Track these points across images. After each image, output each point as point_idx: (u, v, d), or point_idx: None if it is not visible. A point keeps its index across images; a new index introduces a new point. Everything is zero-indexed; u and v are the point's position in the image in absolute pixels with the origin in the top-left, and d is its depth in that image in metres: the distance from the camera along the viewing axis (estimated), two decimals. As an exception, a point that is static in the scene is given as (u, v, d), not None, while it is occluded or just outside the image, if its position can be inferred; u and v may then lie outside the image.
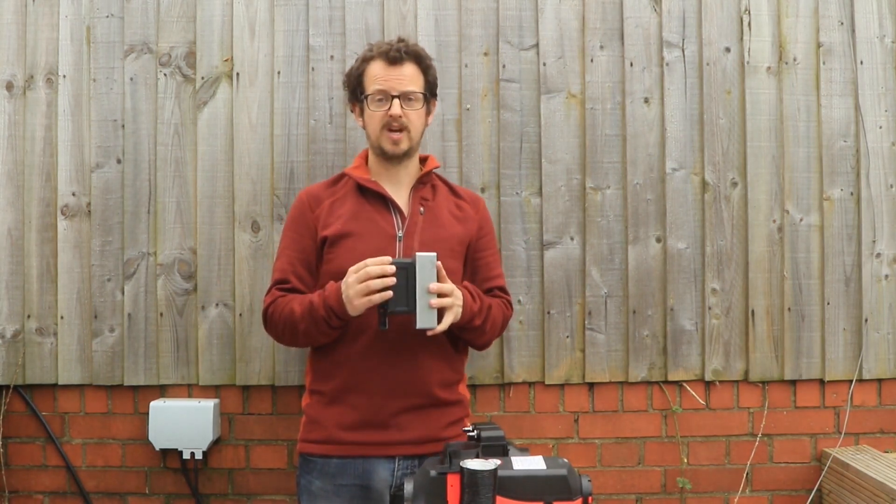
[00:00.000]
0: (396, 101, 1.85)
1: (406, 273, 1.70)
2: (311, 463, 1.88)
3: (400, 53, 1.86)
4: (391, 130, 1.86)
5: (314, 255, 1.91)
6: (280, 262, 1.94)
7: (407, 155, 1.91)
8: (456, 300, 1.76)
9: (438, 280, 1.73)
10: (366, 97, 1.88)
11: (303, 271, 1.91)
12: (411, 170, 1.95)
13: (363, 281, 1.70)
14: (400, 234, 1.87)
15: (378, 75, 1.87)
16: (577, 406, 2.40)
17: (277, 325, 1.87)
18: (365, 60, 1.90)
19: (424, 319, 1.71)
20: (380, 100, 1.86)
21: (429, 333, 1.75)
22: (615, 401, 2.40)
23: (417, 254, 1.72)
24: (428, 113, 1.95)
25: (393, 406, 1.83)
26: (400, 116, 1.85)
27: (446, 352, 1.89)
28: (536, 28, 2.39)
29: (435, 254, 1.73)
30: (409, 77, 1.87)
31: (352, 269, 1.72)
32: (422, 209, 1.90)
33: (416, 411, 1.84)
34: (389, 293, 1.69)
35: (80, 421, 2.37)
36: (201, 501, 2.35)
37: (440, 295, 1.72)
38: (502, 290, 2.00)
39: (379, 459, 1.83)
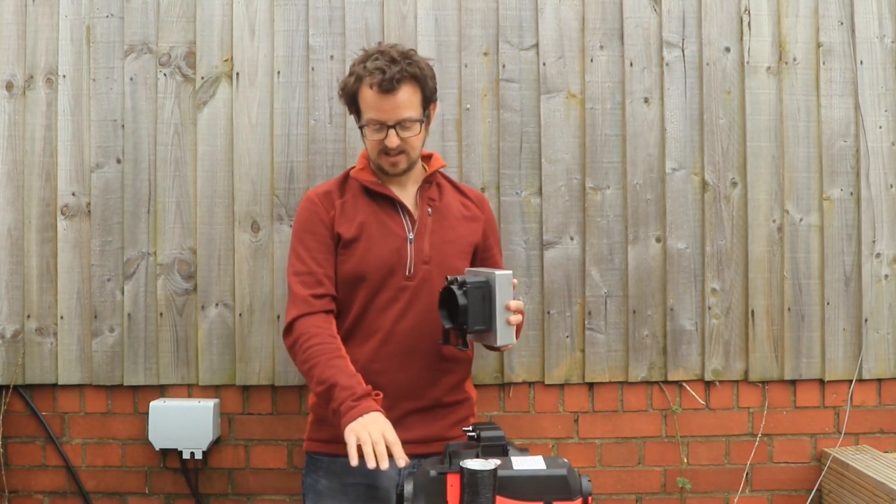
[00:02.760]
0: (392, 131, 1.79)
1: (482, 291, 1.68)
2: (317, 462, 1.88)
3: (392, 83, 1.75)
4: (388, 154, 1.83)
5: (335, 252, 1.86)
6: (307, 266, 1.83)
7: (408, 169, 1.89)
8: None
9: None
10: (362, 126, 1.85)
11: (331, 271, 1.85)
12: (415, 173, 1.94)
13: (375, 441, 1.55)
14: (410, 236, 1.86)
15: (372, 104, 1.79)
16: (577, 406, 2.40)
17: (296, 356, 1.78)
18: (358, 79, 1.80)
19: (504, 336, 1.70)
20: (376, 129, 1.81)
21: (503, 350, 1.77)
22: (615, 401, 2.40)
23: (496, 272, 1.70)
24: (428, 122, 1.90)
25: (400, 408, 1.82)
26: (397, 145, 1.81)
27: (454, 353, 1.88)
28: (536, 28, 2.39)
29: (511, 272, 1.73)
30: (404, 104, 1.78)
31: (388, 435, 1.56)
32: (430, 210, 1.90)
33: (423, 412, 1.85)
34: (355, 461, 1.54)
35: (80, 421, 2.37)
36: (201, 501, 2.35)
37: (517, 312, 1.72)
38: None
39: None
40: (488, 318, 1.69)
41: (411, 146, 1.84)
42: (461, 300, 1.66)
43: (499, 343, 1.71)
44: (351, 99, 1.86)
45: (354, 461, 1.53)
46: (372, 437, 1.55)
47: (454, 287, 1.68)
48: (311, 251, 1.85)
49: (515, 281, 1.73)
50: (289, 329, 1.81)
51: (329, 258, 1.85)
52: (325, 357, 1.72)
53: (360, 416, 1.60)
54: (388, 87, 1.76)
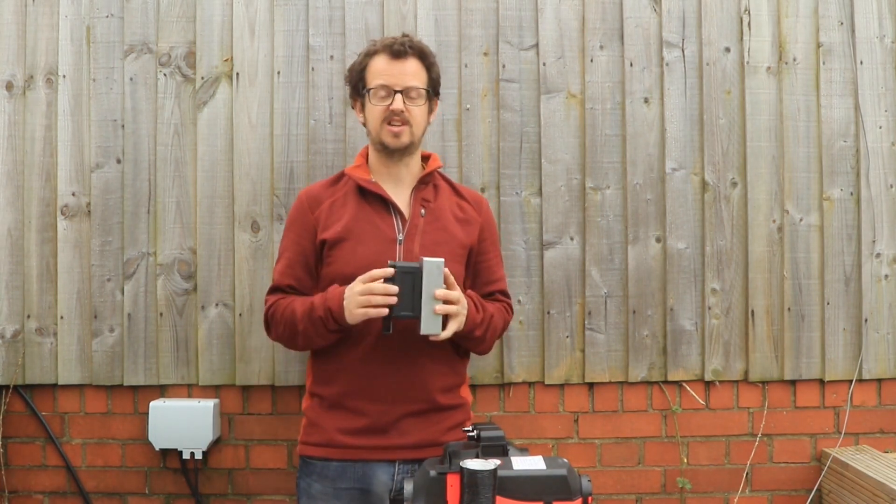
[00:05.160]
0: (399, 96, 1.82)
1: (413, 278, 1.68)
2: (310, 466, 1.87)
3: (404, 48, 1.84)
4: (392, 124, 1.84)
5: (314, 257, 1.89)
6: (280, 266, 1.93)
7: (408, 151, 1.88)
8: (462, 308, 1.75)
9: (446, 286, 1.71)
10: (368, 91, 1.86)
11: (302, 274, 1.90)
12: (413, 168, 1.93)
13: (366, 294, 1.69)
14: (400, 237, 1.85)
15: (381, 70, 1.85)
16: (577, 406, 2.40)
17: (278, 325, 1.87)
18: (368, 55, 1.88)
19: (429, 325, 1.70)
20: (382, 95, 1.84)
21: (431, 339, 1.73)
22: (615, 401, 2.40)
23: (424, 259, 1.69)
24: (430, 111, 1.92)
25: (395, 411, 1.82)
26: (402, 111, 1.83)
27: (448, 355, 1.88)
28: (536, 28, 2.39)
29: (442, 259, 1.71)
30: (412, 72, 1.85)
31: (360, 277, 1.71)
32: (423, 211, 1.88)
33: (418, 416, 1.83)
34: (385, 310, 1.68)
35: (80, 421, 2.37)
36: (201, 501, 2.35)
37: (447, 301, 1.71)
38: (504, 293, 2.00)
39: (379, 463, 1.82)
40: (417, 306, 1.69)
41: (415, 119, 1.85)
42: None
43: (422, 331, 1.69)
44: (359, 75, 1.89)
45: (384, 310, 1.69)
46: (362, 305, 1.69)
47: None
48: (289, 251, 1.93)
49: (447, 270, 1.71)
50: (265, 322, 1.94)
51: (302, 259, 1.90)
52: (296, 303, 1.84)
53: (339, 302, 1.73)
54: (398, 51, 1.84)
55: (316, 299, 1.79)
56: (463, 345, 1.89)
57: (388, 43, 1.86)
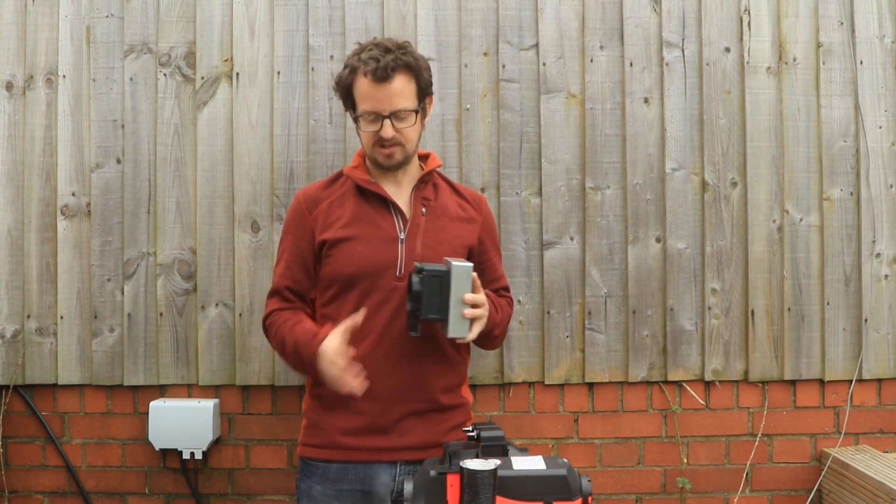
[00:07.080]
0: (388, 121, 1.79)
1: (440, 281, 1.70)
2: (311, 467, 1.87)
3: (387, 71, 1.76)
4: (384, 146, 1.82)
5: (312, 258, 1.89)
6: (279, 268, 1.92)
7: (403, 164, 1.88)
8: (485, 311, 1.77)
9: (473, 290, 1.73)
10: (357, 117, 1.84)
11: (301, 276, 1.89)
12: (411, 170, 1.92)
13: (339, 377, 1.73)
14: (402, 236, 1.85)
15: (367, 94, 1.79)
16: (577, 406, 2.40)
17: (272, 340, 1.90)
18: (353, 71, 1.82)
19: (457, 329, 1.72)
20: (371, 120, 1.81)
21: (458, 342, 1.77)
22: (615, 401, 2.40)
23: (454, 264, 1.71)
24: (424, 116, 1.89)
25: (395, 411, 1.82)
26: (392, 136, 1.80)
27: (449, 355, 1.88)
28: (536, 28, 2.39)
29: (471, 265, 1.73)
30: (398, 93, 1.78)
31: (327, 360, 1.72)
32: (423, 210, 1.88)
33: (419, 416, 1.83)
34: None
35: (80, 421, 2.37)
36: (201, 501, 2.35)
37: (474, 306, 1.72)
38: (506, 289, 2.01)
39: (381, 465, 1.82)
40: (444, 308, 1.70)
41: (407, 138, 1.83)
42: (416, 286, 1.69)
43: (449, 335, 1.72)
44: (346, 91, 1.85)
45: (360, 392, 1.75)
46: (336, 384, 1.74)
47: (413, 273, 1.71)
48: (287, 252, 1.92)
49: (475, 275, 1.73)
50: (263, 327, 1.94)
51: (300, 262, 1.89)
52: (284, 329, 1.84)
53: (316, 365, 1.75)
54: (382, 76, 1.77)
55: (305, 339, 1.79)
56: (477, 343, 1.89)
57: (370, 67, 1.76)
